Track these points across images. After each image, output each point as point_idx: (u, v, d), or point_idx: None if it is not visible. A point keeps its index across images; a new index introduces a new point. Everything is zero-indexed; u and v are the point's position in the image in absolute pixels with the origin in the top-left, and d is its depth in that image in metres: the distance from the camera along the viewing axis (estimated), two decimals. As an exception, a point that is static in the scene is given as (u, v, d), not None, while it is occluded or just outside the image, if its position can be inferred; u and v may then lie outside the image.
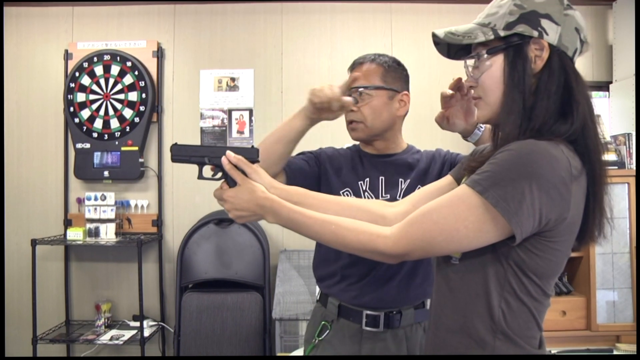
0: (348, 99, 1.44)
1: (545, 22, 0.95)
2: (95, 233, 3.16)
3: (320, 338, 1.54)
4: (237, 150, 1.15)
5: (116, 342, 2.96)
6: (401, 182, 1.55)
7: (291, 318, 2.78)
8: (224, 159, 1.13)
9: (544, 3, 0.96)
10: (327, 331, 1.54)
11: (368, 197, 1.54)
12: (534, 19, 0.95)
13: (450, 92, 1.38)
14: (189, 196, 3.35)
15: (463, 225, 0.91)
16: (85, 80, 3.30)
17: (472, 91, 1.06)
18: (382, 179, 1.56)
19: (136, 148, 3.28)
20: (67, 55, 3.34)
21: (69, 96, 3.30)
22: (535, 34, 0.95)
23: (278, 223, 1.11)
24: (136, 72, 3.28)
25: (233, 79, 3.38)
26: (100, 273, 3.35)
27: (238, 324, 2.85)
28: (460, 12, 3.36)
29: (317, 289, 1.67)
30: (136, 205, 3.32)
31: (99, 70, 3.30)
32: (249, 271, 2.96)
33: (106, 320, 3.20)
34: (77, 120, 3.29)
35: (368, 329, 1.50)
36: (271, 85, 3.39)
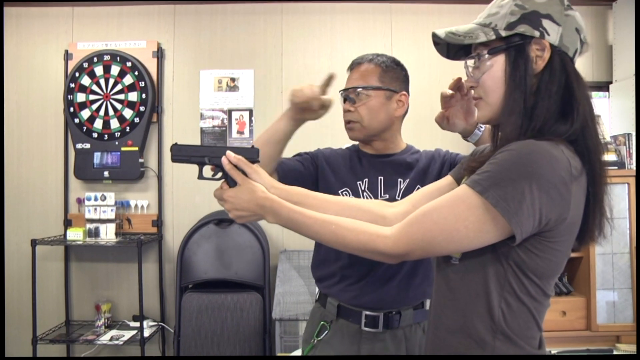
0: (327, 97, 1.43)
1: (546, 23, 0.95)
2: (95, 233, 3.16)
3: (319, 338, 1.54)
4: (237, 150, 1.15)
5: (116, 342, 2.96)
6: (400, 182, 1.55)
7: (291, 318, 2.78)
8: (224, 159, 1.13)
9: (545, 3, 0.96)
10: (326, 331, 1.54)
11: (367, 197, 1.54)
12: (535, 19, 0.95)
13: (450, 92, 1.38)
14: (189, 196, 3.35)
15: (463, 225, 0.91)
16: (85, 81, 3.30)
17: (473, 91, 1.06)
18: (381, 179, 1.56)
19: (136, 148, 3.28)
20: (67, 56, 3.34)
21: (69, 96, 3.30)
22: (537, 34, 0.95)
23: (278, 223, 1.11)
24: (136, 73, 3.28)
25: (233, 79, 3.38)
26: (100, 273, 3.36)
27: (238, 324, 2.85)
28: (460, 12, 3.36)
29: (317, 289, 1.67)
30: (136, 206, 3.32)
31: (99, 70, 3.30)
32: (249, 271, 2.96)
33: (106, 320, 3.19)
34: (77, 120, 3.29)
35: (367, 329, 1.50)
36: (271, 86, 3.39)
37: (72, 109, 3.29)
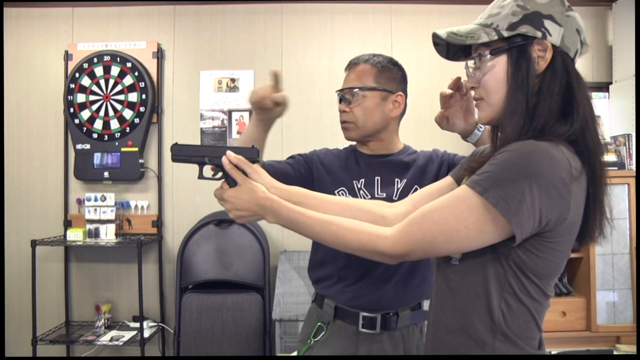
0: (279, 94, 1.41)
1: (548, 23, 0.95)
2: (95, 234, 3.16)
3: (315, 339, 1.53)
4: (237, 150, 1.15)
5: (116, 343, 2.96)
6: (397, 181, 1.55)
7: (291, 319, 2.77)
8: (224, 159, 1.13)
9: (546, 4, 0.96)
10: (323, 332, 1.53)
11: (363, 196, 1.53)
12: (537, 19, 0.95)
13: (450, 91, 1.38)
14: (189, 197, 3.35)
15: (463, 226, 0.91)
16: (85, 81, 3.30)
17: (473, 92, 1.06)
18: (378, 179, 1.56)
19: (136, 149, 3.28)
20: (67, 56, 3.34)
21: (69, 97, 3.30)
22: (539, 34, 0.95)
23: (278, 223, 1.11)
24: (136, 73, 3.28)
25: (233, 80, 3.38)
26: (100, 274, 3.35)
27: (238, 325, 2.85)
28: (460, 13, 3.36)
29: (314, 290, 1.67)
30: (136, 206, 3.32)
31: (99, 71, 3.30)
32: (249, 272, 2.96)
33: (106, 321, 3.19)
34: (77, 121, 3.29)
35: (364, 330, 1.49)
36: (271, 86, 3.38)
37: (72, 110, 3.30)
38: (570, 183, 0.89)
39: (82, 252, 3.34)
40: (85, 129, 3.29)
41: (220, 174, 1.17)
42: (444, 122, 1.42)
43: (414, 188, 1.53)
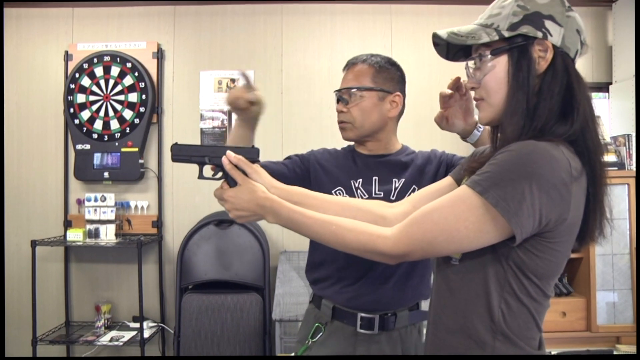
0: (250, 94, 1.40)
1: (548, 24, 0.95)
2: (95, 234, 3.16)
3: (313, 340, 1.53)
4: (237, 150, 1.15)
5: (116, 343, 2.96)
6: (395, 181, 1.55)
7: (291, 319, 2.77)
8: (224, 159, 1.13)
9: (547, 4, 0.96)
10: (321, 333, 1.53)
11: (361, 195, 1.53)
12: (537, 20, 0.95)
13: (449, 91, 1.38)
14: (189, 197, 3.35)
15: (463, 226, 0.92)
16: (85, 82, 3.30)
17: (474, 92, 1.06)
18: (375, 179, 1.55)
19: (136, 149, 3.28)
20: (67, 57, 3.34)
21: (69, 97, 3.30)
22: (540, 35, 0.95)
23: (278, 223, 1.11)
24: (136, 73, 3.28)
25: (233, 80, 3.38)
26: (100, 274, 3.35)
27: (238, 325, 2.85)
28: (460, 13, 3.36)
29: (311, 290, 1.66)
30: (136, 207, 3.32)
31: (99, 71, 3.30)
32: (249, 272, 2.95)
33: (106, 321, 3.19)
34: (77, 121, 3.29)
35: (362, 331, 1.49)
36: (271, 86, 3.39)
37: (72, 110, 3.30)
38: (571, 183, 0.89)
39: (82, 252, 3.34)
40: (85, 129, 3.29)
41: (220, 174, 1.17)
42: (443, 122, 1.42)
43: (412, 188, 1.53)
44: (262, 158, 1.23)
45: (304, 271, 1.62)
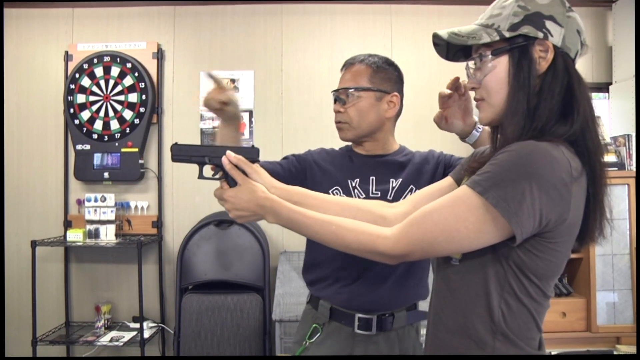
0: (222, 95, 1.39)
1: (549, 24, 0.95)
2: (95, 234, 3.16)
3: (311, 340, 1.52)
4: (237, 150, 1.15)
5: (116, 343, 2.96)
6: (392, 181, 1.55)
7: (291, 319, 2.77)
8: (224, 159, 1.13)
9: (547, 5, 0.96)
10: (318, 334, 1.52)
11: (358, 195, 1.53)
12: (538, 20, 0.95)
13: (448, 91, 1.38)
14: (189, 197, 3.35)
15: (463, 226, 0.92)
16: (85, 82, 3.30)
17: (474, 93, 1.06)
18: (372, 179, 1.55)
19: (136, 149, 3.28)
20: (67, 57, 3.34)
21: (69, 97, 3.30)
22: (540, 35, 0.95)
23: (278, 223, 1.11)
24: (136, 74, 3.29)
25: (233, 80, 3.38)
26: (100, 274, 3.35)
27: (238, 326, 2.85)
28: (460, 13, 3.36)
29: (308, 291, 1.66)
30: (136, 207, 3.32)
31: (99, 71, 3.30)
32: (249, 272, 2.95)
33: (106, 321, 3.19)
34: (77, 121, 3.29)
35: (360, 332, 1.49)
36: (271, 87, 3.39)
37: (72, 110, 3.30)
38: (571, 183, 0.89)
39: (82, 252, 3.34)
40: (85, 129, 3.29)
41: (220, 174, 1.17)
42: (442, 122, 1.42)
43: (409, 188, 1.53)
44: (262, 158, 1.23)
45: (303, 272, 1.63)
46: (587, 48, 1.01)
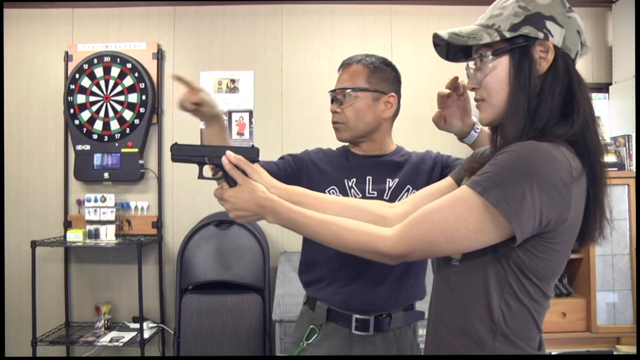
0: (193, 96, 1.38)
1: (550, 24, 0.95)
2: (95, 235, 3.16)
3: (308, 342, 1.52)
4: (237, 149, 1.15)
5: (116, 343, 2.96)
6: (389, 181, 1.54)
7: (291, 320, 2.77)
8: (224, 159, 1.13)
9: (548, 5, 0.96)
10: (316, 335, 1.52)
11: (354, 194, 1.53)
12: (539, 20, 0.95)
13: (447, 91, 1.38)
14: (189, 198, 3.35)
15: (464, 226, 0.92)
16: (85, 82, 3.30)
17: (475, 93, 1.06)
18: (369, 179, 1.55)
19: (136, 150, 3.28)
20: (67, 57, 3.34)
21: (69, 98, 3.30)
22: (541, 35, 0.95)
23: (278, 223, 1.11)
24: (136, 74, 3.29)
25: (233, 81, 3.38)
26: (100, 275, 3.35)
27: (238, 326, 2.85)
28: (460, 14, 3.36)
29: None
30: (136, 207, 3.32)
31: (99, 72, 3.30)
32: (249, 273, 2.95)
33: (106, 322, 3.19)
34: (77, 122, 3.29)
35: (357, 332, 1.48)
36: (271, 87, 3.39)
37: (72, 111, 3.30)
38: (571, 184, 0.89)
39: (82, 253, 3.34)
40: (85, 129, 3.29)
41: (220, 174, 1.17)
42: (441, 122, 1.42)
43: (406, 188, 1.53)
44: (262, 158, 1.23)
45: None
46: (586, 49, 1.01)
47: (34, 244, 2.95)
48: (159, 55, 3.35)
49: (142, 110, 3.28)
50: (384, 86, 1.55)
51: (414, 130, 2.93)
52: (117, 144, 3.29)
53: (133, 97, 3.28)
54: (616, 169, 2.93)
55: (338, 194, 1.52)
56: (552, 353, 2.74)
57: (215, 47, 3.41)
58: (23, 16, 3.40)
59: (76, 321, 3.32)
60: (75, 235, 3.10)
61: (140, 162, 3.28)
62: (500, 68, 0.98)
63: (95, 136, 3.29)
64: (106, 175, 3.27)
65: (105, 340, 3.00)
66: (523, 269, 0.94)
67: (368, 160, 1.58)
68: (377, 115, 1.54)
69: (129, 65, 3.29)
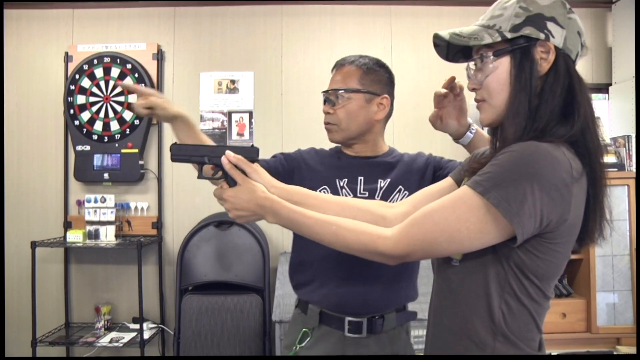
0: (142, 101, 1.38)
1: (551, 25, 0.95)
2: (95, 235, 3.16)
3: (301, 345, 1.51)
4: (236, 149, 1.15)
5: (116, 344, 2.96)
6: (380, 181, 1.54)
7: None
8: (223, 159, 1.13)
9: (548, 6, 0.96)
10: (308, 338, 1.51)
11: (346, 194, 1.52)
12: (540, 21, 0.96)
13: (444, 91, 1.38)
14: (188, 198, 3.35)
15: (464, 226, 0.91)
16: (85, 83, 3.30)
17: (475, 94, 1.06)
18: (361, 179, 1.54)
19: (136, 150, 3.28)
20: (67, 58, 3.34)
21: (69, 98, 3.30)
22: (542, 36, 0.95)
23: (278, 223, 1.10)
24: (136, 75, 3.29)
25: (233, 81, 3.38)
26: (100, 275, 3.35)
27: (238, 326, 2.84)
28: (460, 14, 3.36)
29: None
30: (136, 208, 3.32)
31: (99, 72, 3.30)
32: (249, 273, 2.95)
33: (106, 322, 3.19)
34: (77, 122, 3.29)
35: (350, 335, 1.47)
36: (271, 88, 3.39)
37: (72, 111, 3.30)
38: (571, 184, 0.89)
39: (82, 253, 3.34)
40: (85, 130, 3.29)
41: (219, 174, 1.16)
42: (437, 122, 1.42)
43: (397, 188, 1.52)
44: (261, 158, 1.23)
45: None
46: (586, 50, 1.02)
47: (33, 245, 2.95)
48: (159, 56, 3.35)
49: (142, 110, 3.27)
50: (376, 88, 1.54)
51: (414, 131, 2.92)
52: (117, 145, 3.29)
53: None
54: (616, 169, 2.93)
55: (329, 193, 1.51)
56: (552, 353, 2.74)
57: (215, 47, 3.41)
58: (23, 17, 3.40)
59: (76, 322, 3.32)
60: (75, 236, 3.10)
61: (140, 162, 3.28)
62: (501, 69, 0.98)
63: (95, 137, 3.29)
64: (106, 175, 3.27)
65: (105, 340, 3.00)
66: (523, 270, 0.94)
67: (360, 161, 1.57)
68: (370, 116, 1.53)
69: (129, 66, 3.29)
